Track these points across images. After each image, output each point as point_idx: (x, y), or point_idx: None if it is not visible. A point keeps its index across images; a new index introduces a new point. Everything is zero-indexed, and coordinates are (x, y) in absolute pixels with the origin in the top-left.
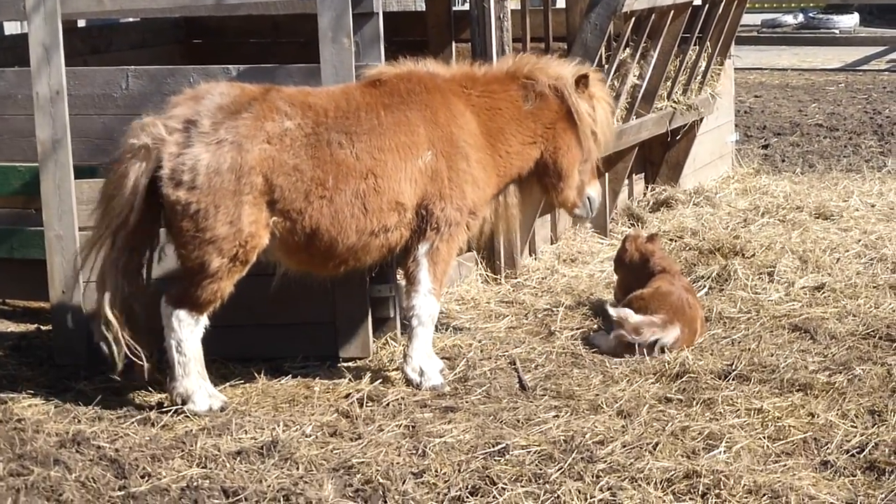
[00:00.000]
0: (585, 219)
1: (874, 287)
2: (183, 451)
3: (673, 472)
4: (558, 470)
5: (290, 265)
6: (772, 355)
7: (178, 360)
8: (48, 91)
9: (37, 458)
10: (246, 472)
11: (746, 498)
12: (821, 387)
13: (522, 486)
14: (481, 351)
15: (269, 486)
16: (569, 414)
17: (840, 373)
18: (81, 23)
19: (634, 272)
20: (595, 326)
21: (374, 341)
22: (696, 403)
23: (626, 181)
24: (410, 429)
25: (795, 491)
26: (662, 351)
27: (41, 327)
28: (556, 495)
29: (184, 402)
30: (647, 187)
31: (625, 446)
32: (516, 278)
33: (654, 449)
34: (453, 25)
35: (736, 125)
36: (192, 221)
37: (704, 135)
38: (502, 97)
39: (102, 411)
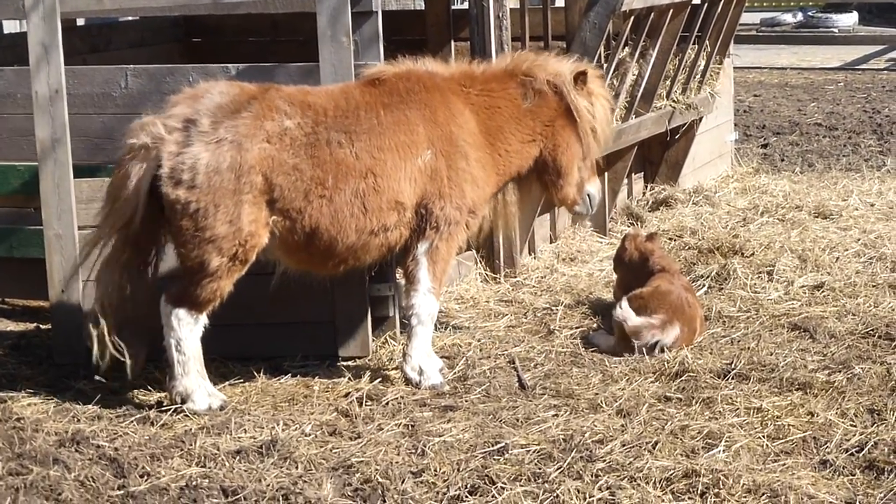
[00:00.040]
0: (585, 216)
1: (873, 286)
2: (182, 450)
3: (672, 472)
4: (557, 469)
5: (290, 264)
6: (771, 354)
7: (177, 359)
8: (47, 90)
9: (36, 457)
10: (245, 471)
11: (745, 497)
12: (820, 386)
13: (522, 486)
14: (480, 350)
15: (269, 485)
16: (568, 413)
17: (839, 372)
18: (80, 21)
19: (634, 271)
20: (594, 325)
21: (373, 340)
22: (696, 402)
23: (626, 180)
24: (410, 428)
25: (794, 490)
26: (662, 350)
27: (40, 326)
28: (555, 494)
29: (183, 401)
30: (646, 186)
31: (624, 445)
32: (516, 277)
33: (654, 448)
34: (452, 24)
35: (735, 124)
36: (192, 220)
37: (703, 134)
38: (501, 95)
39: (102, 410)
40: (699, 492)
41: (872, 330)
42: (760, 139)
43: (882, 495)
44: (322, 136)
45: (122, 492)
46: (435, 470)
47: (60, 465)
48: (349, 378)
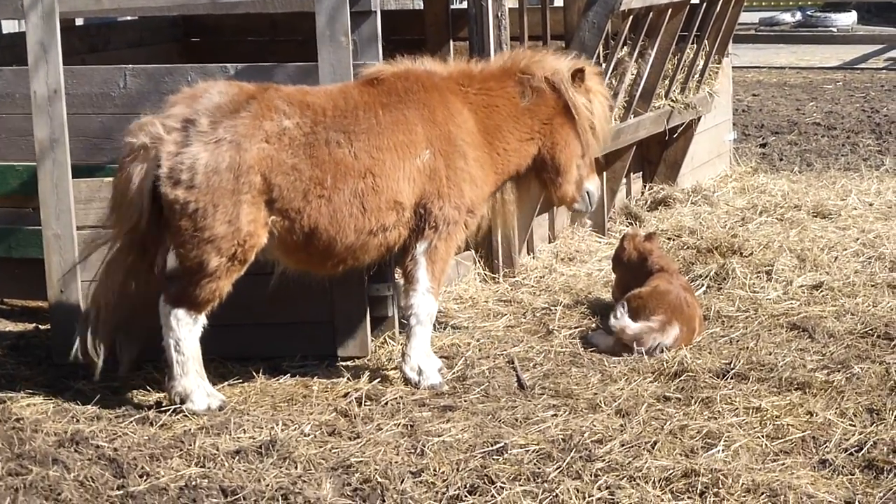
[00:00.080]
0: (585, 213)
1: (872, 285)
2: (181, 450)
3: (671, 471)
4: (557, 469)
5: (289, 264)
6: (770, 354)
7: (176, 360)
8: (46, 90)
9: (35, 457)
10: (244, 471)
11: (745, 497)
12: (819, 385)
13: (521, 485)
14: (479, 350)
15: (268, 485)
16: (567, 413)
17: (838, 371)
18: (79, 21)
19: (632, 271)
20: (593, 325)
21: (372, 340)
22: (695, 402)
23: (624, 180)
24: (409, 428)
25: (794, 490)
26: (662, 350)
27: (39, 326)
28: (554, 494)
29: (182, 402)
30: (644, 186)
31: (623, 445)
32: (514, 277)
33: (653, 448)
34: (451, 24)
35: (734, 124)
36: (191, 220)
37: (702, 133)
38: (499, 94)
39: (101, 411)
40: (698, 491)
41: (871, 329)
42: (759, 139)
43: (881, 495)
44: (321, 136)
45: (121, 492)
46: (434, 470)
47: (60, 465)
48: (348, 378)
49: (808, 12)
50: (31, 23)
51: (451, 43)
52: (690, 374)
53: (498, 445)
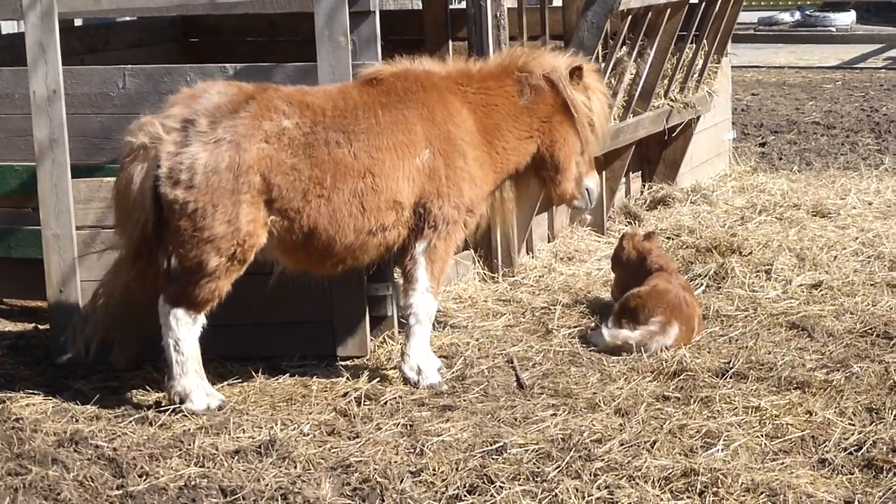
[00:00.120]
0: (584, 210)
1: (871, 285)
2: (181, 450)
3: (671, 471)
4: (556, 468)
5: (288, 264)
6: (769, 353)
7: (175, 359)
8: (45, 90)
9: (35, 457)
10: (244, 470)
11: (744, 496)
12: (818, 385)
13: (520, 485)
14: (479, 349)
15: (267, 484)
16: (566, 412)
17: (838, 370)
18: (78, 22)
19: (632, 270)
20: (592, 325)
21: (371, 340)
22: (694, 401)
23: (624, 179)
24: (408, 427)
25: (793, 489)
26: (662, 349)
27: (38, 326)
28: (553, 494)
29: (181, 401)
30: (644, 185)
31: (622, 445)
32: (514, 276)
33: (652, 447)
34: (450, 24)
35: (733, 123)
36: (190, 220)
37: (701, 133)
38: (498, 93)
39: (100, 410)
40: (698, 491)
41: (870, 328)
42: (758, 138)
43: (881, 494)
44: (320, 136)
45: (120, 492)
46: (433, 469)
47: (59, 465)
48: (347, 378)
49: (807, 12)
50: (30, 23)
51: (450, 43)
52: (690, 373)
53: (497, 445)
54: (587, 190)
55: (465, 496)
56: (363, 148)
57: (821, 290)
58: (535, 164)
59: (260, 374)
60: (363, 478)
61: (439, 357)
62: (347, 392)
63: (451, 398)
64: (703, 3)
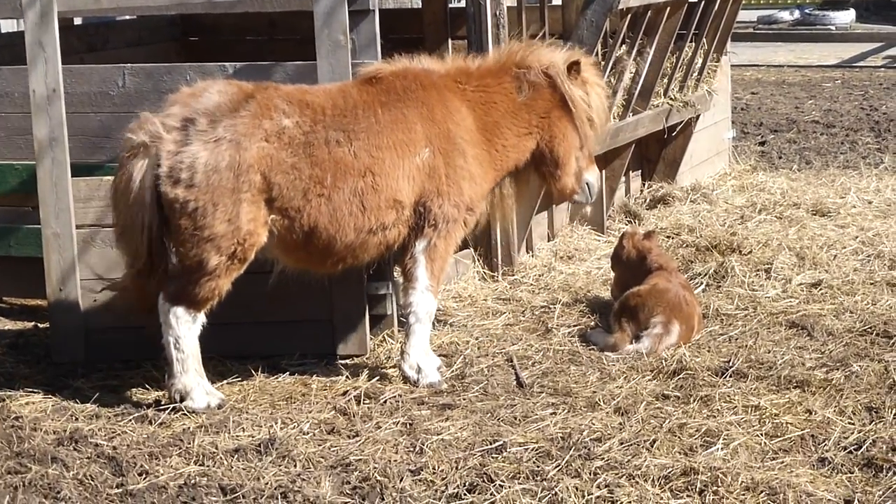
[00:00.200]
0: (585, 204)
1: (871, 283)
2: (180, 448)
3: (670, 469)
4: (556, 467)
5: (288, 263)
6: (769, 352)
7: (176, 357)
8: (45, 89)
9: (34, 455)
10: (243, 469)
11: (744, 495)
12: (818, 383)
13: (520, 484)
14: (478, 348)
15: (267, 483)
16: (566, 411)
17: (837, 369)
18: (78, 20)
19: (631, 269)
20: (592, 323)
21: (371, 339)
22: (694, 400)
23: (623, 178)
24: (408, 426)
25: (793, 488)
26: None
27: (38, 325)
28: (553, 492)
29: (182, 399)
30: (643, 184)
31: (622, 443)
32: (513, 275)
33: (652, 446)
34: (449, 22)
35: (732, 122)
36: (191, 219)
37: (701, 132)
38: (497, 90)
39: (100, 409)
40: (697, 490)
41: (870, 327)
42: (758, 137)
43: (880, 493)
44: (320, 135)
45: (120, 490)
46: (433, 468)
47: (59, 463)
48: (347, 376)
49: (807, 10)
50: (30, 22)
51: (450, 42)
52: (689, 372)
53: (497, 444)
54: (587, 184)
55: (464, 495)
56: (363, 147)
57: (820, 289)
58: (535, 160)
59: (260, 373)
60: (363, 476)
61: (439, 356)
62: (347, 391)
63: (451, 397)
64: (703, 2)
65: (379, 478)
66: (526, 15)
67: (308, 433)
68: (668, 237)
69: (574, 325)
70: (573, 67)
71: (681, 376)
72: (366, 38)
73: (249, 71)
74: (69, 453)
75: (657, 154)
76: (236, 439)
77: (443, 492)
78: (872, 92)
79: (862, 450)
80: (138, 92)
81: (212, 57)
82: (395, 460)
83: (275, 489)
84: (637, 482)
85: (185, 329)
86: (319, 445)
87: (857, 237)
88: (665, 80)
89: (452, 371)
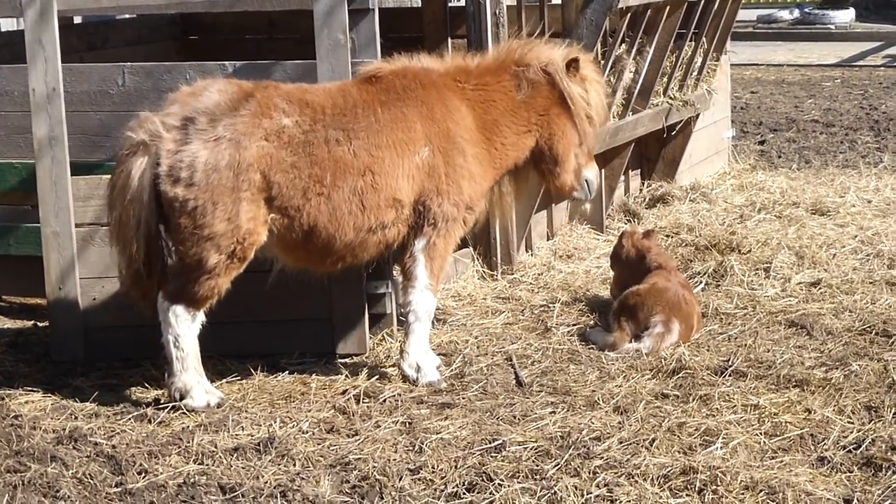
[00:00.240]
0: (584, 201)
1: (870, 283)
2: (180, 447)
3: (670, 469)
4: (555, 466)
5: (288, 262)
6: (768, 351)
7: (176, 356)
8: (44, 88)
9: (34, 454)
10: (243, 468)
11: (743, 494)
12: (817, 383)
13: (519, 483)
14: (478, 347)
15: (266, 482)
16: (565, 410)
17: (836, 369)
18: (77, 19)
19: (631, 268)
20: (591, 322)
21: (370, 338)
22: (693, 399)
23: (623, 177)
24: (407, 425)
25: (792, 487)
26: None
27: (38, 324)
28: (552, 491)
29: (182, 398)
30: (643, 183)
31: (621, 442)
32: (513, 274)
33: (651, 445)
34: (449, 22)
35: (732, 121)
36: (190, 218)
37: (700, 131)
38: (496, 88)
39: (99, 408)
40: (697, 489)
41: (869, 327)
42: (757, 136)
43: (880, 492)
44: (320, 134)
45: (119, 489)
46: (432, 467)
47: (58, 462)
48: (346, 375)
49: (807, 9)
50: (30, 20)
51: (449, 41)
52: (689, 371)
53: (496, 443)
54: (586, 181)
55: (464, 494)
56: (363, 146)
57: (820, 288)
58: (534, 158)
59: (259, 372)
60: (362, 475)
61: (438, 355)
62: (346, 390)
63: (450, 396)
64: (703, 1)
65: (378, 477)
66: (525, 14)
67: (307, 432)
68: (667, 236)
69: (573, 324)
70: (572, 64)
71: (680, 375)
72: (365, 36)
73: (249, 70)
74: (68, 452)
75: (656, 153)
76: (235, 438)
77: (442, 491)
78: (872, 91)
79: (861, 449)
80: (138, 91)
81: (211, 56)
82: (395, 459)
83: (274, 488)
84: (636, 481)
85: (184, 327)
86: (319, 444)
87: (856, 236)
88: (665, 79)
89: (452, 370)
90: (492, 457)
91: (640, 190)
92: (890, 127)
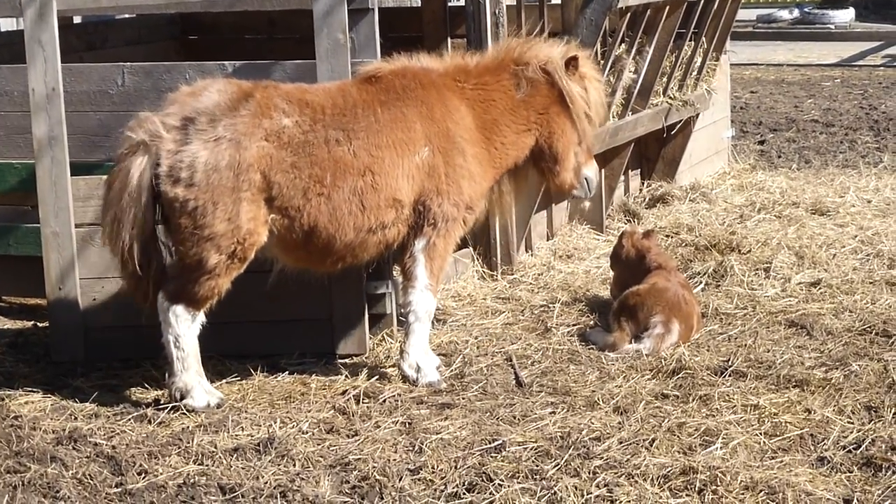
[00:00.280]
0: (584, 199)
1: (870, 283)
2: (180, 447)
3: (669, 469)
4: (555, 466)
5: (288, 262)
6: (768, 351)
7: (176, 356)
8: (44, 88)
9: (34, 455)
10: (242, 468)
11: (743, 494)
12: (817, 383)
13: (519, 483)
14: (478, 347)
15: (266, 482)
16: (565, 410)
17: (836, 369)
18: (77, 19)
19: (631, 268)
20: (591, 323)
21: (370, 338)
22: (693, 400)
23: (622, 177)
24: (407, 425)
25: (792, 487)
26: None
27: (38, 324)
28: (552, 492)
29: (182, 397)
30: (643, 183)
31: (621, 443)
32: (512, 274)
33: (651, 445)
34: (449, 21)
35: (732, 121)
36: (191, 218)
37: (700, 131)
38: (495, 88)
39: (99, 408)
40: (697, 489)
41: (869, 327)
42: (757, 136)
43: (879, 492)
44: (320, 134)
45: (119, 489)
46: (432, 467)
47: (58, 462)
48: (346, 376)
49: (806, 9)
50: (29, 20)
51: (449, 40)
52: (688, 371)
53: (496, 443)
54: (586, 179)
55: (463, 494)
56: (363, 146)
57: (820, 289)
58: (534, 156)
59: (259, 372)
60: (362, 476)
61: (438, 355)
62: (346, 390)
63: (450, 396)
64: (702, 1)
65: (378, 477)
66: (525, 14)
67: (307, 432)
68: (667, 236)
69: (573, 325)
70: (571, 63)
71: (680, 375)
72: (365, 36)
73: (249, 70)
74: (68, 452)
75: (656, 153)
76: (235, 438)
77: (442, 491)
78: (872, 91)
79: (861, 449)
80: (137, 91)
81: (211, 56)
82: (395, 459)
83: (274, 488)
84: (636, 481)
85: (184, 327)
86: (318, 445)
87: (856, 236)
88: (664, 79)
89: (451, 370)
90: (492, 457)
91: (640, 190)
92: (890, 127)
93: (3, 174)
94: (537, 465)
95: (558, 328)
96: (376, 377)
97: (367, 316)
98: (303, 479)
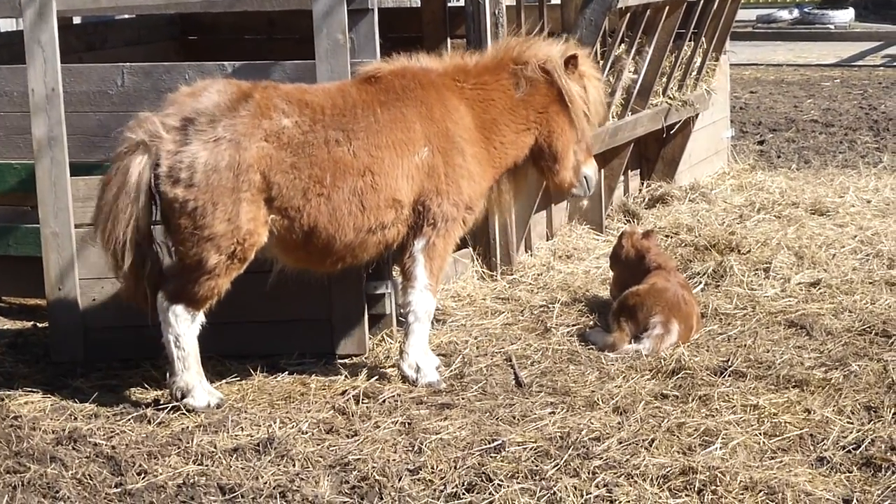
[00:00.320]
0: (583, 197)
1: (870, 283)
2: (179, 447)
3: (669, 469)
4: (554, 466)
5: (288, 262)
6: (768, 351)
7: (177, 355)
8: (43, 88)
9: (33, 455)
10: (242, 468)
11: (742, 494)
12: (817, 383)
13: (518, 483)
14: (477, 347)
15: (266, 482)
16: (565, 410)
17: (836, 369)
18: (77, 20)
19: (630, 269)
20: (591, 323)
21: (370, 338)
22: (692, 400)
23: (622, 177)
24: (406, 425)
25: (791, 487)
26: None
27: (37, 324)
28: (552, 492)
29: (183, 397)
30: (642, 183)
31: (621, 443)
32: (512, 275)
33: (650, 445)
34: (448, 21)
35: (731, 121)
36: (190, 219)
37: (700, 131)
38: (494, 87)
39: (99, 408)
40: (696, 489)
41: (869, 327)
42: (757, 136)
43: (879, 492)
44: (320, 135)
45: (119, 489)
46: (432, 467)
47: (58, 463)
48: (346, 376)
49: (806, 9)
50: (28, 21)
51: (449, 41)
52: (688, 371)
53: (496, 443)
54: (585, 177)
55: (463, 494)
56: (362, 146)
57: (819, 289)
58: (534, 155)
59: (258, 372)
60: (361, 476)
61: (438, 355)
62: (346, 390)
63: (450, 396)
64: (702, 1)
65: (378, 477)
66: (525, 14)
67: (307, 433)
68: (666, 236)
69: (573, 325)
70: (570, 61)
71: (679, 376)
72: (365, 37)
73: (248, 70)
74: (68, 453)
75: (656, 153)
76: (235, 439)
77: (441, 491)
78: (871, 91)
79: (861, 449)
80: (137, 91)
81: (211, 56)
82: (394, 460)
83: (273, 489)
84: (636, 481)
85: (184, 327)
86: (318, 445)
87: (855, 236)
88: (664, 79)
89: (451, 370)
90: (491, 457)
91: (640, 190)
92: (889, 127)
93: (3, 174)
94: (537, 466)
95: (558, 328)
96: (376, 377)
97: (366, 316)
98: (302, 479)
